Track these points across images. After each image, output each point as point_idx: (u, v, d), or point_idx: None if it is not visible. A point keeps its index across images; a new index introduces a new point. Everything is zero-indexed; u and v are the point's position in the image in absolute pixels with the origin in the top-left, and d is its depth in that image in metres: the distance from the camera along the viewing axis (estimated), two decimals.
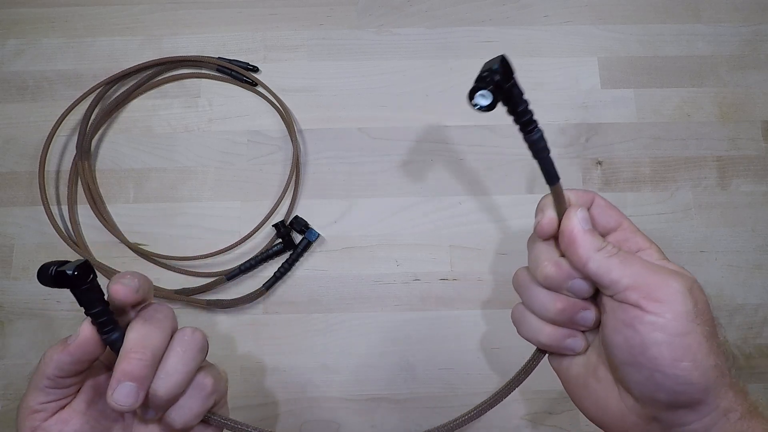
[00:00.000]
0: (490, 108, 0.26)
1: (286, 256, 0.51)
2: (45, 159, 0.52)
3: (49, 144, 0.52)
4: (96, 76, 0.55)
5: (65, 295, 0.50)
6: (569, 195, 0.30)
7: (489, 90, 0.26)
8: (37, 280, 0.26)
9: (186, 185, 0.53)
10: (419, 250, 0.52)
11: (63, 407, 0.29)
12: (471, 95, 0.26)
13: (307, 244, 0.51)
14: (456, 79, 0.55)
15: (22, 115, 0.54)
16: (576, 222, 0.28)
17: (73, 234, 0.51)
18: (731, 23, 0.57)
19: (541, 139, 0.29)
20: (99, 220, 0.51)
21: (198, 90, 0.55)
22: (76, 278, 0.26)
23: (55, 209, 0.52)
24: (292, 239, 0.51)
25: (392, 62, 0.56)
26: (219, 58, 0.55)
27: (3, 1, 0.57)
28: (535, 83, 0.55)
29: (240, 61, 0.55)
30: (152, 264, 0.51)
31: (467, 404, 0.48)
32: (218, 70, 0.55)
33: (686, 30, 0.57)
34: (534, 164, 0.55)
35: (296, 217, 0.51)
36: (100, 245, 0.51)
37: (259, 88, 0.55)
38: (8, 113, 0.54)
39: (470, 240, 0.52)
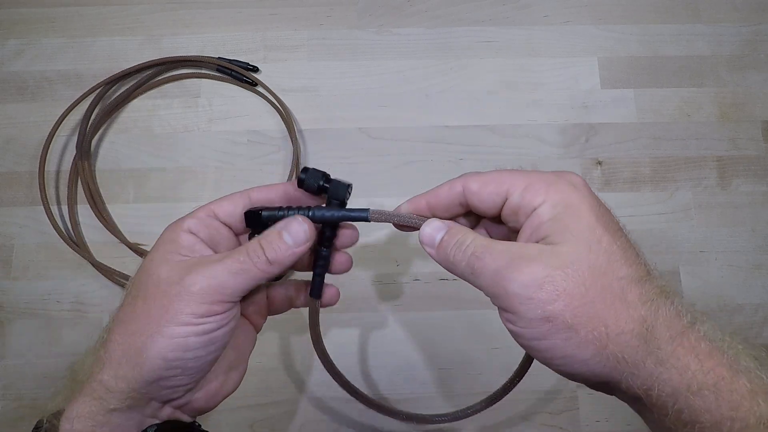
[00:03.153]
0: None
1: None
2: (45, 159, 0.52)
3: (49, 144, 0.52)
4: (96, 76, 0.55)
5: (65, 294, 0.50)
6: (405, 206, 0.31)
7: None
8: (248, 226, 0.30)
9: (186, 185, 0.53)
10: (419, 250, 0.51)
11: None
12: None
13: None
14: (456, 79, 0.55)
15: (22, 115, 0.54)
16: (425, 241, 0.28)
17: (73, 234, 0.51)
18: (731, 23, 0.57)
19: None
20: (99, 220, 0.51)
21: (198, 90, 0.55)
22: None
23: (55, 209, 0.52)
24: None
25: (392, 62, 0.56)
26: (219, 58, 0.55)
27: (3, 1, 0.57)
28: (535, 83, 0.55)
29: (240, 61, 0.55)
30: None
31: (467, 404, 0.48)
32: (218, 70, 0.55)
33: (686, 30, 0.57)
34: (533, 164, 0.55)
35: None
36: (100, 245, 0.51)
37: (259, 88, 0.55)
38: (8, 113, 0.54)
39: None
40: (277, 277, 0.31)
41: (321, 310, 0.34)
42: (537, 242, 0.25)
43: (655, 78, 0.56)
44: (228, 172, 0.53)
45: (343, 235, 0.32)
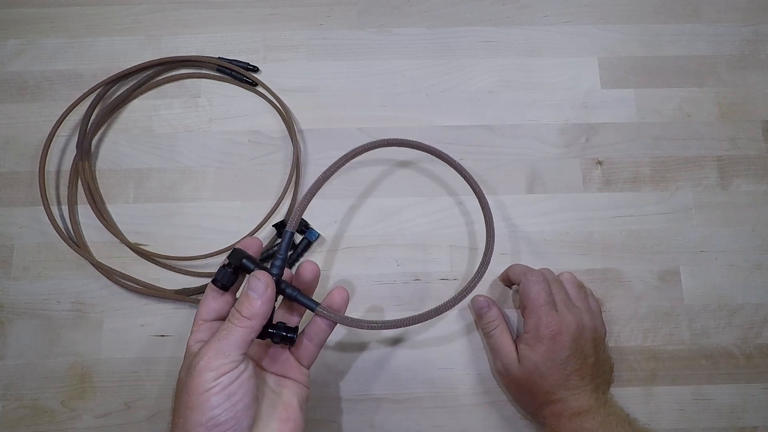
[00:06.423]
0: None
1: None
2: (45, 159, 0.52)
3: (49, 144, 0.52)
4: (96, 76, 0.55)
5: (65, 294, 0.50)
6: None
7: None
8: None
9: (186, 185, 0.53)
10: (419, 250, 0.52)
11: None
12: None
13: (307, 244, 0.51)
14: (456, 79, 0.56)
15: (22, 115, 0.54)
16: (476, 308, 0.50)
17: (73, 234, 0.51)
18: (731, 23, 0.57)
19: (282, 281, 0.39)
20: (99, 220, 0.51)
21: (198, 90, 0.55)
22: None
23: (55, 209, 0.52)
24: (293, 239, 0.51)
25: (392, 62, 0.56)
26: (219, 58, 0.55)
27: (3, 1, 0.57)
28: (535, 83, 0.56)
29: (240, 61, 0.55)
30: (152, 264, 0.51)
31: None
32: (218, 70, 0.55)
33: (686, 30, 0.57)
34: (533, 164, 0.55)
35: None
36: (100, 245, 0.51)
37: (259, 88, 0.55)
38: (8, 113, 0.54)
39: (470, 240, 0.52)
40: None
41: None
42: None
43: (655, 78, 0.56)
44: (228, 172, 0.53)
45: (305, 269, 0.40)
